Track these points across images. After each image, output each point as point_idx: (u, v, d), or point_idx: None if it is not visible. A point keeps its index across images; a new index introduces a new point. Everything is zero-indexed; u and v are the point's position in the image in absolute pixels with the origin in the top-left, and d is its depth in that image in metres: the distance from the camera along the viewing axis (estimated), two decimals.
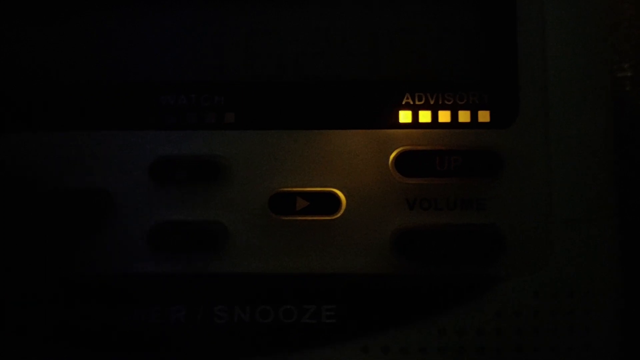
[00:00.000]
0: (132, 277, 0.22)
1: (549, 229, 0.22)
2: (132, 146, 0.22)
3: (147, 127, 0.22)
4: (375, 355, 0.22)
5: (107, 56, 0.23)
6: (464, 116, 0.22)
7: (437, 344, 0.22)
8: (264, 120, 0.22)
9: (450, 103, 0.22)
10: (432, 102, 0.22)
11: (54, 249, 0.22)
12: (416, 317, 0.22)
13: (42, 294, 0.23)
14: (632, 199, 0.28)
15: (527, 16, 0.22)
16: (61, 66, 0.23)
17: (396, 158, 0.22)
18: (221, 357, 0.22)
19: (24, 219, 0.22)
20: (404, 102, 0.22)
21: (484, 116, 0.22)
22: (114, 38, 0.23)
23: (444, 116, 0.22)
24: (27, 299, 0.23)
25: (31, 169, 0.22)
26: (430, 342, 0.22)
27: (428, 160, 0.22)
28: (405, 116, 0.22)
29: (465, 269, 0.22)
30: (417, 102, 0.22)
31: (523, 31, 0.22)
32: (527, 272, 0.22)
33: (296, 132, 0.22)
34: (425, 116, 0.22)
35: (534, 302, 0.22)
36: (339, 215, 0.22)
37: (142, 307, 0.23)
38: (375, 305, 0.22)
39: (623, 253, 0.23)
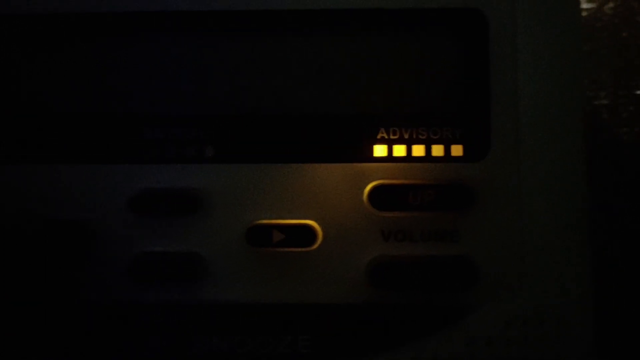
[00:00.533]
0: (112, 307, 0.23)
1: (522, 259, 0.23)
2: (112, 179, 0.23)
3: (127, 161, 0.23)
4: None
5: (87, 88, 0.23)
6: (437, 150, 0.23)
7: None
8: (242, 154, 0.23)
9: (424, 137, 0.23)
10: (406, 137, 0.23)
11: (36, 279, 0.23)
12: (390, 346, 0.23)
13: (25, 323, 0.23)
14: (605, 227, 0.29)
15: (499, 51, 0.23)
16: (42, 97, 0.24)
17: (371, 192, 0.22)
18: None
19: (5, 249, 0.22)
20: (378, 137, 0.23)
21: (456, 150, 0.23)
22: (95, 70, 0.23)
23: (418, 150, 0.23)
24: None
25: (12, 201, 0.23)
26: None
27: (402, 195, 0.22)
28: (380, 150, 0.23)
29: (439, 298, 0.22)
30: (391, 137, 0.23)
31: (495, 66, 0.23)
32: (499, 302, 0.22)
33: (274, 165, 0.23)
34: (399, 150, 0.23)
35: (505, 331, 0.23)
36: (315, 247, 0.22)
37: (120, 338, 0.23)
38: (350, 335, 0.23)
39: (595, 281, 0.24)
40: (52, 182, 0.23)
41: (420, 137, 0.23)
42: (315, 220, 0.23)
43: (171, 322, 0.23)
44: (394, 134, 0.23)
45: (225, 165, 0.23)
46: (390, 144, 0.23)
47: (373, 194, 0.22)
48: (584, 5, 0.32)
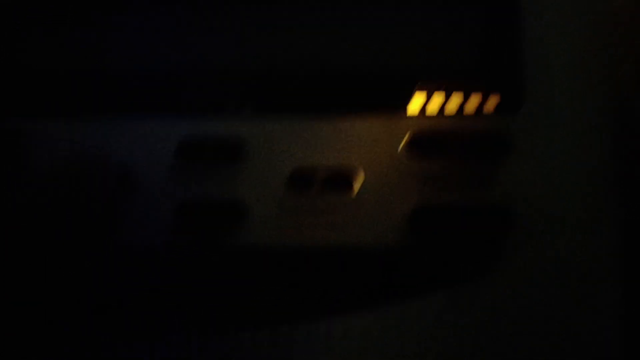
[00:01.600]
0: (157, 253, 0.24)
1: (556, 209, 0.23)
2: (160, 129, 0.24)
3: (175, 111, 0.24)
4: (391, 324, 0.23)
5: (131, 44, 0.25)
6: (472, 103, 0.24)
7: (450, 318, 0.23)
8: (282, 107, 0.24)
9: (459, 91, 0.24)
10: (442, 90, 0.24)
11: (84, 226, 0.23)
12: (426, 290, 0.23)
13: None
14: (635, 193, 0.29)
15: (532, 4, 0.24)
16: (91, 54, 0.25)
17: (409, 141, 0.23)
18: (239, 324, 0.23)
19: (55, 198, 0.23)
20: (415, 90, 0.24)
21: (491, 103, 0.24)
22: (141, 26, 0.25)
23: (453, 103, 0.24)
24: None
25: (64, 153, 0.24)
26: (440, 315, 0.23)
27: (439, 143, 0.23)
28: (416, 103, 0.24)
29: (475, 247, 0.23)
30: (427, 90, 0.24)
31: (529, 19, 0.24)
32: (533, 252, 0.23)
33: (314, 117, 0.24)
34: (435, 103, 0.24)
35: (540, 282, 0.23)
36: (353, 194, 0.23)
37: (162, 282, 0.24)
38: (388, 278, 0.23)
39: (629, 232, 0.24)
40: (105, 132, 0.24)
41: (456, 90, 0.24)
42: (355, 169, 0.23)
43: (214, 268, 0.24)
44: (430, 88, 0.24)
45: (267, 116, 0.24)
46: (426, 97, 0.24)
47: (410, 144, 0.23)
48: None
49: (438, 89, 0.24)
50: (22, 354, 0.23)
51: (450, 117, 0.23)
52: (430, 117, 0.23)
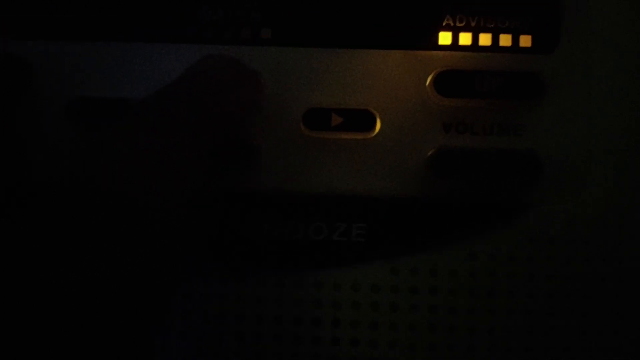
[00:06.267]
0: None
1: (588, 158, 0.22)
2: (169, 58, 0.22)
3: (185, 41, 0.22)
4: (404, 277, 0.22)
5: None
6: (505, 40, 0.22)
7: (468, 268, 0.22)
8: (301, 37, 0.22)
9: (491, 26, 0.22)
10: (473, 25, 0.22)
11: None
12: (447, 240, 0.22)
13: None
14: None
15: None
16: None
17: (435, 78, 0.22)
18: (248, 270, 0.22)
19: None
20: (444, 24, 0.22)
21: (525, 41, 0.22)
22: None
23: (485, 39, 0.22)
24: None
25: (70, 78, 0.22)
26: (460, 265, 0.22)
27: (468, 80, 0.21)
28: (444, 38, 0.22)
29: (501, 193, 0.22)
30: (457, 24, 0.22)
31: None
32: (562, 200, 0.22)
33: (333, 50, 0.22)
34: (465, 38, 0.22)
35: (567, 230, 0.22)
36: (374, 134, 0.22)
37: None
38: (407, 227, 0.22)
39: None
40: (112, 60, 0.22)
41: (488, 25, 0.22)
42: (375, 108, 0.22)
43: (226, 210, 0.22)
44: (460, 22, 0.22)
45: (283, 48, 0.22)
46: (456, 31, 0.22)
47: (438, 80, 0.21)
48: None
49: (469, 20, 0.22)
50: None
51: (481, 53, 0.22)
52: (460, 53, 0.22)
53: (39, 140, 0.22)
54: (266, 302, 0.22)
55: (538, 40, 0.22)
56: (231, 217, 0.22)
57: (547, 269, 0.22)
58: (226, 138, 0.19)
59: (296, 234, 0.22)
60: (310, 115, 0.21)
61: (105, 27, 0.22)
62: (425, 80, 0.22)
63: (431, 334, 0.22)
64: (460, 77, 0.21)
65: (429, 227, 0.22)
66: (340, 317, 0.22)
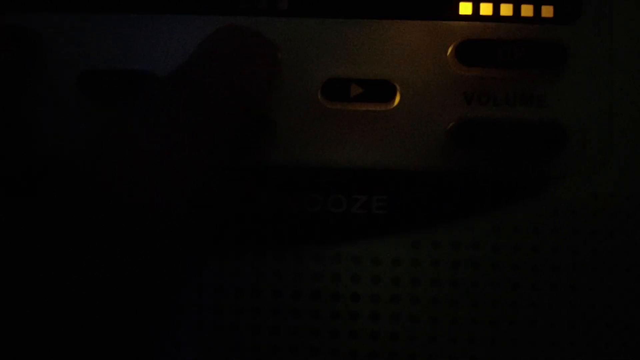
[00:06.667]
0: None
1: (611, 128, 0.21)
2: (184, 29, 0.22)
3: (198, 12, 0.22)
4: (426, 250, 0.22)
5: None
6: (526, 10, 0.22)
7: (491, 241, 0.22)
8: (318, 7, 0.22)
9: None
10: None
11: None
12: (470, 213, 0.21)
13: None
14: None
15: None
16: None
17: (457, 47, 0.21)
18: (267, 244, 0.21)
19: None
20: None
21: (547, 11, 0.21)
22: None
23: (506, 9, 0.22)
24: None
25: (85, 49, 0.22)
26: (483, 239, 0.22)
27: (490, 50, 0.21)
28: (465, 8, 0.22)
29: (524, 165, 0.21)
30: None
31: None
32: (586, 171, 0.21)
33: (352, 20, 0.22)
34: (486, 9, 0.22)
35: (591, 202, 0.22)
36: (393, 105, 0.21)
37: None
38: (429, 199, 0.22)
39: None
40: (125, 32, 0.22)
41: None
42: (395, 78, 0.21)
43: (244, 184, 0.22)
44: None
45: (300, 18, 0.22)
46: (476, 1, 0.22)
47: (460, 50, 0.21)
48: None
49: None
50: None
51: (503, 22, 0.21)
52: (482, 22, 0.21)
53: (51, 114, 0.22)
54: (284, 276, 0.21)
55: (560, 11, 0.21)
56: (248, 192, 0.22)
57: (572, 242, 0.21)
58: (243, 111, 0.19)
59: (315, 206, 0.22)
60: (329, 86, 0.21)
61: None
62: (446, 51, 0.21)
63: (452, 308, 0.21)
64: (482, 47, 0.21)
65: (450, 199, 0.22)
66: (360, 291, 0.21)
